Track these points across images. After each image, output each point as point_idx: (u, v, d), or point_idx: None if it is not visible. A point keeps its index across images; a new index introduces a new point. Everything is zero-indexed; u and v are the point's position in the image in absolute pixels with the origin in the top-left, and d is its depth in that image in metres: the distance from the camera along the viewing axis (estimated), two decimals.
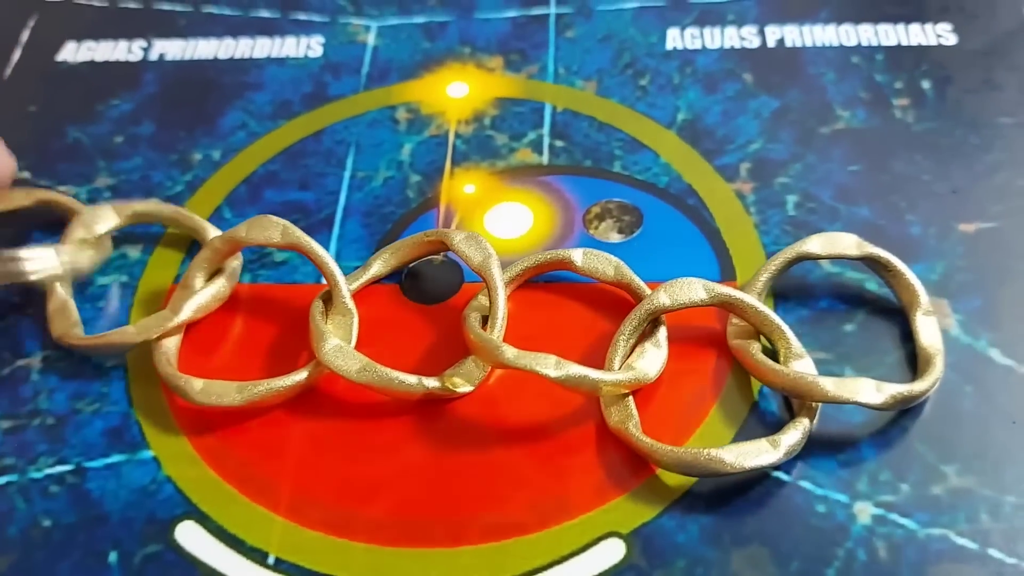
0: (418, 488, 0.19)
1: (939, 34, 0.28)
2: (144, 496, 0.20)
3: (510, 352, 0.19)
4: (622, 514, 0.19)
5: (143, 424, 0.21)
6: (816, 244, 0.22)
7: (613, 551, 0.18)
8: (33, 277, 0.21)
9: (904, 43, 0.28)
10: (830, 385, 0.19)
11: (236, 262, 0.23)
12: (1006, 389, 0.20)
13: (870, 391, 0.19)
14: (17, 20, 0.31)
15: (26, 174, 0.26)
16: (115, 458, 0.20)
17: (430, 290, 0.23)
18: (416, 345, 0.22)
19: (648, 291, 0.21)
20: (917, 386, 0.19)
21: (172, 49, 0.30)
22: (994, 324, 0.21)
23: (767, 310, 0.20)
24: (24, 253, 0.21)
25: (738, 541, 0.18)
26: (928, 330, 0.20)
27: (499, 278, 0.21)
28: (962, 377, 0.20)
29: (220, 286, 0.22)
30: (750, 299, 0.20)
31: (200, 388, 0.20)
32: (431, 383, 0.20)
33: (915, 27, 0.29)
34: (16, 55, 0.30)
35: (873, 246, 0.22)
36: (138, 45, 0.30)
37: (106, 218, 0.23)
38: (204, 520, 0.19)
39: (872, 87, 0.27)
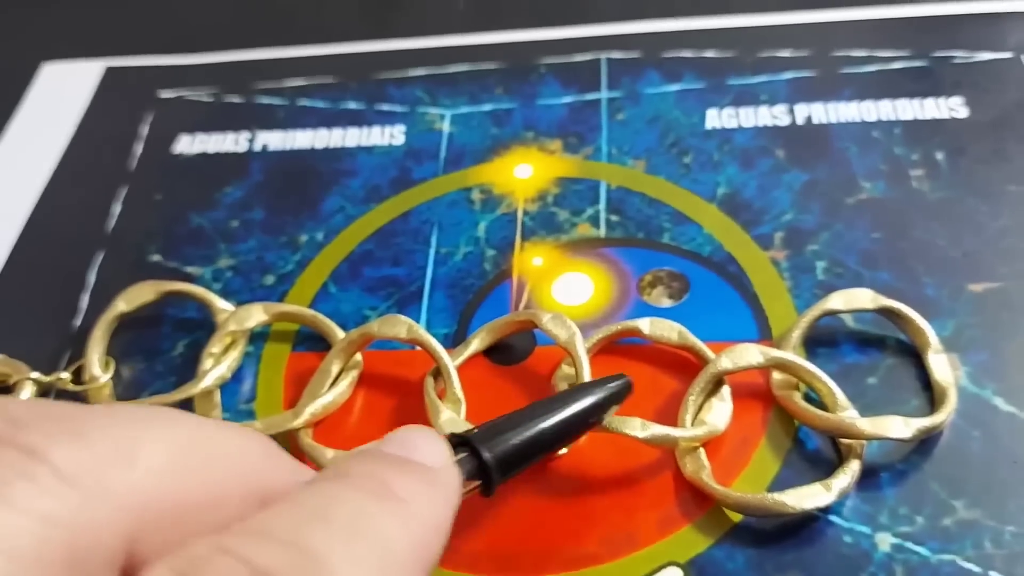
0: (508, 526, 0.23)
1: (952, 108, 0.32)
2: None
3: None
4: (680, 546, 0.22)
5: None
6: (838, 301, 0.26)
7: None
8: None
9: (920, 117, 0.32)
10: (866, 424, 0.23)
11: (358, 369, 0.26)
12: (1009, 433, 0.24)
13: (900, 427, 0.23)
14: (136, 115, 0.36)
15: (158, 257, 0.31)
16: None
17: (508, 352, 0.27)
18: (502, 403, 0.26)
19: (709, 352, 0.25)
20: (937, 418, 0.23)
21: (273, 140, 0.34)
22: (999, 375, 0.25)
23: (816, 369, 0.24)
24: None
25: (779, 568, 0.22)
26: (940, 367, 0.24)
27: (584, 354, 0.25)
28: (970, 423, 0.24)
29: (339, 392, 0.25)
30: (801, 360, 0.24)
31: (331, 457, 0.24)
32: None
33: (930, 102, 0.32)
34: (138, 149, 0.35)
35: (886, 298, 0.25)
36: (243, 137, 0.35)
37: (255, 316, 0.27)
38: None
39: (891, 159, 0.30)
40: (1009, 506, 0.22)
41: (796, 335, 0.25)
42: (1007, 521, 0.22)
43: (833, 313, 0.26)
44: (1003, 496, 0.22)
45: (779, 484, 0.23)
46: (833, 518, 0.22)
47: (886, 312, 0.26)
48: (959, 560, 0.21)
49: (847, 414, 0.23)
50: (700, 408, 0.24)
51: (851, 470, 0.22)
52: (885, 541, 0.22)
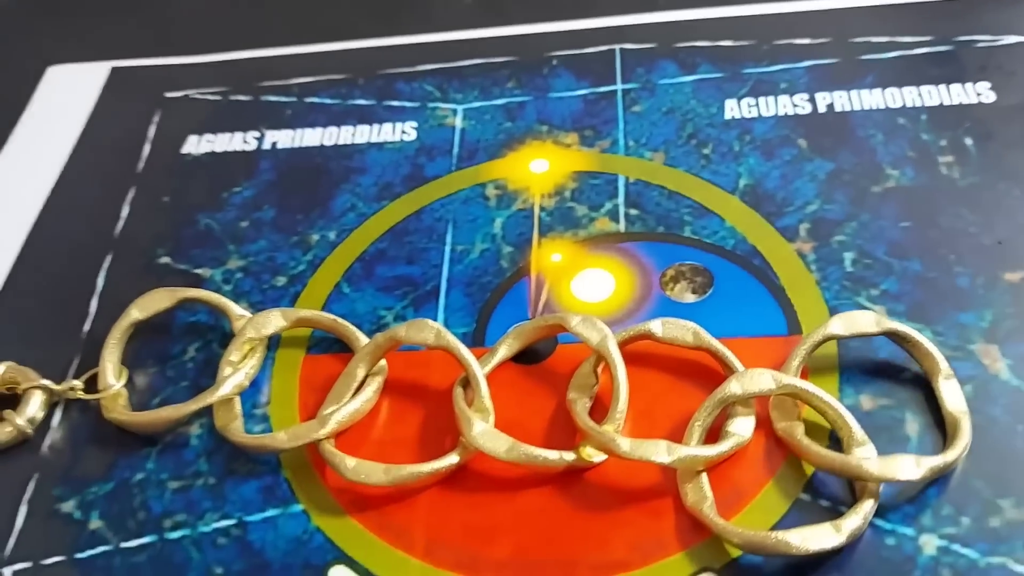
0: (533, 532, 0.22)
1: (979, 92, 0.31)
2: (299, 545, 0.23)
3: (625, 445, 0.22)
4: (714, 551, 0.22)
5: (291, 482, 0.24)
6: (839, 325, 0.24)
7: None
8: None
9: (946, 103, 0.31)
10: (874, 466, 0.21)
11: (383, 375, 0.25)
12: None
13: (910, 468, 0.21)
14: (144, 117, 0.36)
15: (167, 259, 0.30)
16: (270, 512, 0.24)
17: (531, 352, 0.26)
18: (527, 405, 0.25)
19: (727, 352, 0.24)
20: (950, 455, 0.22)
21: (282, 138, 0.34)
22: None
23: (832, 399, 0.22)
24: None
25: (819, 572, 0.21)
26: (951, 394, 0.23)
27: (618, 355, 0.24)
28: (1014, 418, 0.23)
29: (365, 399, 0.25)
30: (815, 389, 0.23)
31: (352, 466, 0.23)
32: (569, 456, 0.23)
33: (956, 87, 0.31)
34: (146, 150, 0.34)
35: (890, 321, 0.24)
36: (252, 135, 0.34)
37: (274, 322, 0.26)
38: (352, 564, 0.22)
39: (918, 146, 0.30)
40: None
41: (796, 363, 0.24)
42: None
43: (834, 338, 0.24)
44: None
45: (789, 521, 0.22)
46: (875, 520, 0.22)
47: (891, 336, 0.24)
48: (1010, 563, 0.21)
49: (858, 452, 0.22)
50: (706, 433, 0.23)
51: (864, 511, 0.21)
52: (930, 543, 0.21)
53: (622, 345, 0.25)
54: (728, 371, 0.24)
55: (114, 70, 0.38)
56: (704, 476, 0.22)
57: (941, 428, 0.23)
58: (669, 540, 0.22)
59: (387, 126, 0.33)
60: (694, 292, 0.27)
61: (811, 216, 0.28)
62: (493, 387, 0.24)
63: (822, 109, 0.31)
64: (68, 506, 0.25)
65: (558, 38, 0.35)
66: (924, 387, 0.24)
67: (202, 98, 0.36)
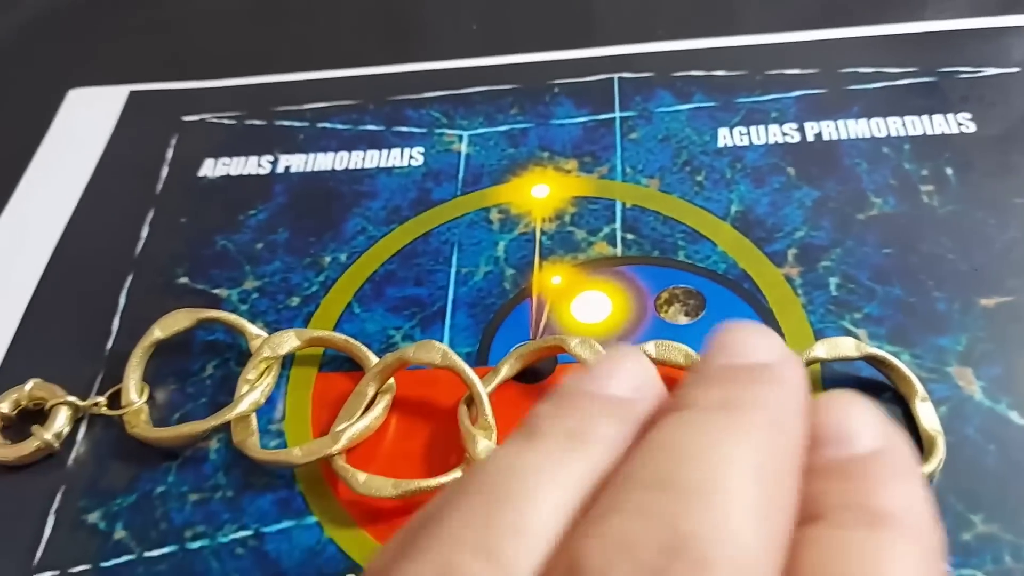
0: None
1: (960, 122, 0.32)
2: (312, 556, 0.24)
3: None
4: None
5: (305, 494, 0.26)
6: (822, 349, 0.26)
7: None
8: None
9: (929, 132, 0.32)
10: None
11: (391, 393, 0.27)
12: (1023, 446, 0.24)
13: None
14: (162, 140, 0.37)
15: (185, 279, 0.32)
16: (285, 524, 0.25)
17: (532, 372, 0.28)
18: None
19: None
20: (925, 469, 0.23)
21: (295, 162, 0.35)
22: (1013, 389, 0.25)
23: None
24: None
25: None
26: (927, 415, 0.24)
27: None
28: (985, 437, 0.24)
29: (375, 416, 0.26)
30: None
31: (363, 480, 0.24)
32: None
33: (938, 117, 0.33)
34: (164, 172, 0.36)
35: (870, 346, 0.26)
36: (266, 159, 0.36)
37: (289, 342, 0.28)
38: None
39: (901, 175, 0.31)
40: None
41: None
42: None
43: (817, 362, 0.26)
44: (1020, 509, 0.23)
45: None
46: None
47: (871, 360, 0.26)
48: (979, 575, 0.22)
49: None
50: None
51: None
52: None
53: None
54: None
55: (132, 94, 0.39)
56: None
57: (919, 446, 0.24)
58: None
59: (395, 151, 0.35)
60: (687, 314, 0.29)
61: (799, 242, 0.30)
62: (496, 405, 0.26)
63: (810, 138, 0.33)
64: (94, 517, 0.26)
65: (560, 66, 0.37)
66: (903, 406, 0.25)
67: (218, 122, 0.38)
